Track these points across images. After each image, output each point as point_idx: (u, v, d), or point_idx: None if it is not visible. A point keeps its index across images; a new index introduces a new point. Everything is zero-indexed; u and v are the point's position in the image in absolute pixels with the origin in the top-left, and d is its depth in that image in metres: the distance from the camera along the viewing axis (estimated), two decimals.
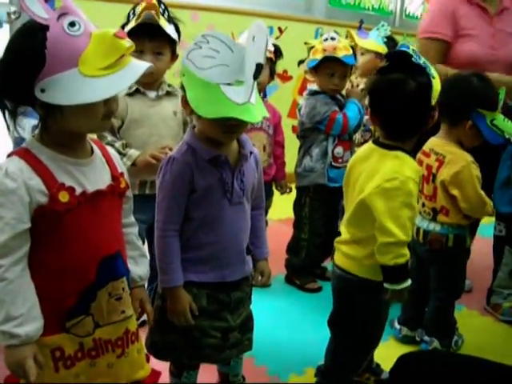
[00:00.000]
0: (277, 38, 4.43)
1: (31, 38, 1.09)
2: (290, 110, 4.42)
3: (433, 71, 1.63)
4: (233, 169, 1.50)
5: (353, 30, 3.55)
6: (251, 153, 1.56)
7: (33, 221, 1.14)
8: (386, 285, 1.62)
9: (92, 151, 1.25)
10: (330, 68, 2.58)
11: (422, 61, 1.62)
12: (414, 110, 1.62)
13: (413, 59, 1.60)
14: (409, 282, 1.62)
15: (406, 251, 1.60)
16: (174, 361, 1.66)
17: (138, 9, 2.01)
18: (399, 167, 1.61)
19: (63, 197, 1.14)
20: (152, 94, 2.12)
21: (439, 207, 2.12)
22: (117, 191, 1.27)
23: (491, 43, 2.65)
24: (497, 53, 2.64)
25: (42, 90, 1.08)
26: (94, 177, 1.22)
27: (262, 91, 2.62)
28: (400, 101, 1.61)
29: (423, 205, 2.17)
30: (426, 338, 2.25)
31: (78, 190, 1.17)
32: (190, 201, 1.48)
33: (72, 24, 1.09)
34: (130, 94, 2.08)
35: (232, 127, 1.42)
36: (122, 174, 1.30)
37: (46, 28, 1.08)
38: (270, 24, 4.46)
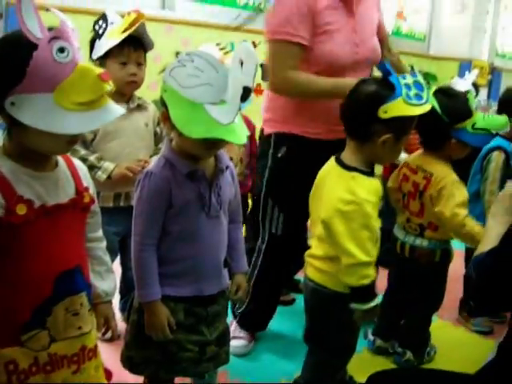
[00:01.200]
0: None
1: (16, 51, 1.08)
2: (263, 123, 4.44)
3: (417, 101, 1.60)
4: (210, 183, 1.51)
5: None
6: (227, 167, 1.57)
7: None
8: (352, 305, 1.64)
9: (56, 164, 1.24)
10: None
11: (404, 81, 1.61)
12: (356, 111, 1.65)
13: (389, 77, 1.62)
14: (375, 301, 1.64)
15: (371, 272, 1.62)
16: (150, 375, 1.64)
17: (113, 19, 2.04)
18: (355, 189, 1.62)
19: (20, 209, 1.13)
20: (123, 107, 2.12)
21: (427, 223, 2.12)
22: (79, 205, 1.25)
23: (353, 39, 2.06)
24: (359, 50, 2.07)
25: (12, 103, 1.07)
26: (56, 190, 1.21)
27: None
28: (351, 98, 1.67)
29: (408, 220, 2.18)
30: (399, 349, 2.27)
31: (37, 203, 1.16)
32: (167, 215, 1.48)
33: (61, 50, 1.08)
34: None
35: (215, 144, 1.43)
36: (86, 188, 1.29)
37: (34, 47, 1.07)
38: (244, 38, 4.49)
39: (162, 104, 1.42)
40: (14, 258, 1.15)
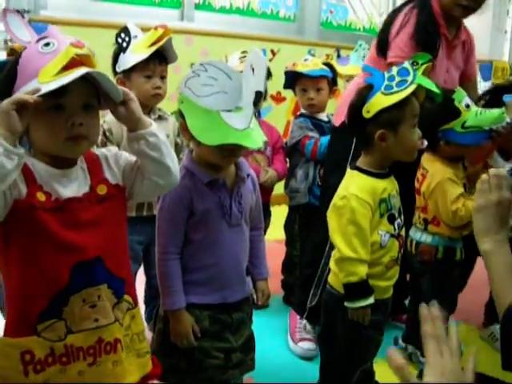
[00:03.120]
0: (270, 60, 4.48)
1: (13, 59, 1.19)
2: (284, 131, 4.46)
3: (398, 89, 1.61)
4: (230, 192, 1.53)
5: (345, 50, 3.61)
6: (248, 175, 1.59)
7: (8, 216, 1.15)
8: (345, 303, 1.65)
9: (75, 162, 1.28)
10: (301, 84, 2.70)
11: (389, 74, 1.63)
12: (349, 120, 1.74)
13: (366, 79, 1.66)
14: (367, 301, 1.63)
15: (358, 269, 1.62)
16: (177, 383, 1.66)
17: (136, 33, 2.09)
18: (348, 185, 1.67)
19: (40, 196, 1.18)
20: None
21: (431, 218, 2.15)
22: (94, 199, 1.26)
23: (445, 78, 2.29)
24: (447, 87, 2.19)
25: None
26: (71, 185, 1.24)
27: (257, 112, 2.68)
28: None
29: (418, 216, 2.21)
30: (421, 359, 2.18)
31: (53, 197, 1.20)
32: (188, 224, 1.51)
33: (47, 44, 1.16)
34: None
35: (232, 152, 1.46)
36: (104, 179, 1.29)
37: (24, 49, 1.17)
38: (262, 46, 4.50)
39: (180, 115, 1.46)
40: (32, 245, 1.18)
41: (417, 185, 2.20)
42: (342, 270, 1.65)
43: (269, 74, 2.70)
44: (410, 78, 1.63)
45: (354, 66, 3.18)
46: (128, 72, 2.09)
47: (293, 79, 2.72)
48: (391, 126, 1.64)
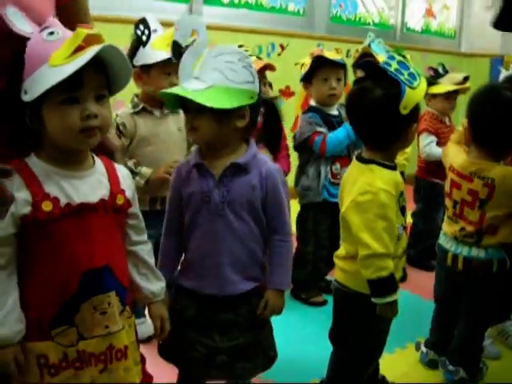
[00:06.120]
0: (279, 54, 4.48)
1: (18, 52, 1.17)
2: (292, 126, 4.47)
3: (416, 81, 1.61)
4: (216, 178, 1.52)
5: (354, 45, 3.59)
6: (257, 169, 1.54)
7: (20, 230, 1.16)
8: (373, 299, 1.63)
9: (93, 166, 1.28)
10: (323, 73, 2.63)
11: (403, 75, 1.60)
12: (378, 119, 1.64)
13: (389, 73, 1.61)
14: (396, 295, 1.62)
15: (388, 264, 1.60)
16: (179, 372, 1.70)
17: (156, 26, 2.11)
18: (371, 180, 1.63)
19: (46, 206, 1.16)
20: (157, 112, 2.18)
21: (486, 226, 1.97)
22: (111, 206, 1.27)
23: None
24: None
25: (25, 92, 1.14)
26: (85, 190, 1.23)
27: None
28: (364, 108, 1.66)
29: (462, 229, 2.02)
30: (451, 367, 2.12)
31: (63, 201, 1.19)
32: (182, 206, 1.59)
33: (51, 33, 1.17)
34: (136, 113, 2.13)
35: (189, 119, 1.53)
36: (122, 190, 1.30)
37: (27, 39, 1.16)
38: (271, 41, 4.51)
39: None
40: (42, 255, 1.19)
41: (467, 197, 1.99)
42: (371, 265, 1.60)
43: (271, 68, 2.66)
44: (414, 71, 1.64)
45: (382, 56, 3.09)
46: (147, 67, 2.10)
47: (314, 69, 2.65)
48: (417, 118, 1.70)
